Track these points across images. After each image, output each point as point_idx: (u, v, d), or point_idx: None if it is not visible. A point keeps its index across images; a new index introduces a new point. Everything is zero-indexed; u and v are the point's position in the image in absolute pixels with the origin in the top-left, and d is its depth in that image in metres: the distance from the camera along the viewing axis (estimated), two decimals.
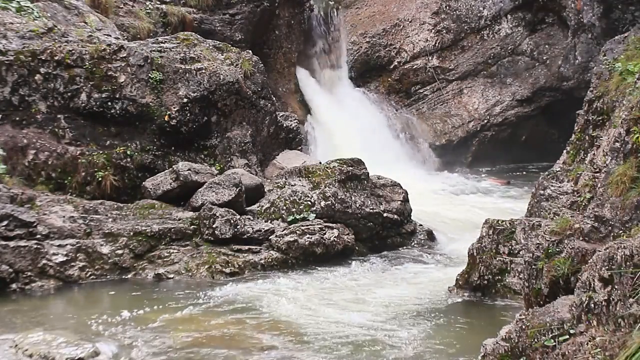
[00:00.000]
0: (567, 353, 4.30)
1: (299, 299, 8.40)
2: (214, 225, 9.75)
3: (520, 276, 7.51)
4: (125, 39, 12.79)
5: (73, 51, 10.69)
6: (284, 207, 10.47)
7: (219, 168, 11.22)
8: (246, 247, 9.82)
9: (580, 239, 6.27)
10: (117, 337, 7.02)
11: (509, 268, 8.25)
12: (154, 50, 11.21)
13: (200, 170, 10.51)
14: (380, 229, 11.06)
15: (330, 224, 10.45)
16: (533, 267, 6.31)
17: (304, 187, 10.79)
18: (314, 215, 10.45)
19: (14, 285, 8.57)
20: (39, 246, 8.84)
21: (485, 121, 19.93)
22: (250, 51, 12.96)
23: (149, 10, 15.16)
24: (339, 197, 10.76)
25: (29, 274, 8.71)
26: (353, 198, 10.91)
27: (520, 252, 7.89)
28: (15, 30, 10.66)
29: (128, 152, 10.77)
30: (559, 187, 8.60)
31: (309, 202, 10.56)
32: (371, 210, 10.98)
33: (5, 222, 8.69)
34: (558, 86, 19.56)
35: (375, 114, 19.33)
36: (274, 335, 7.09)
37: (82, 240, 9.23)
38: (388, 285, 9.16)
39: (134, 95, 10.84)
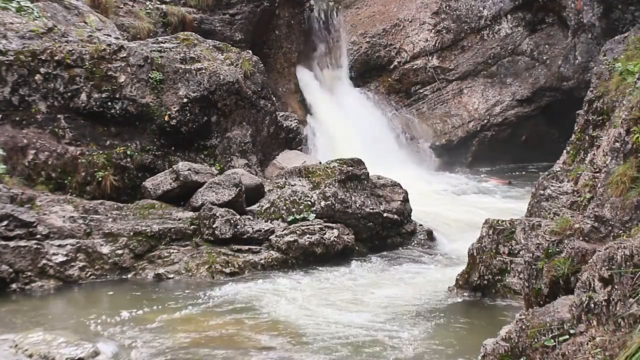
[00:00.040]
0: (567, 353, 4.30)
1: (298, 299, 8.40)
2: (214, 225, 9.75)
3: (520, 276, 7.51)
4: (125, 39, 12.79)
5: (73, 51, 10.68)
6: (284, 207, 10.47)
7: (219, 168, 11.22)
8: (246, 247, 9.82)
9: (580, 239, 6.27)
10: (116, 337, 7.02)
11: (509, 268, 8.25)
12: (154, 50, 11.21)
13: (200, 170, 10.51)
14: (380, 229, 11.06)
15: (330, 224, 10.44)
16: (533, 267, 6.31)
17: (304, 187, 10.79)
18: (314, 215, 10.45)
19: (14, 285, 8.57)
20: (39, 246, 8.84)
21: (485, 121, 19.93)
22: (250, 51, 12.96)
23: (149, 10, 15.16)
24: (339, 197, 10.75)
25: (29, 274, 8.71)
26: (353, 198, 10.91)
27: (520, 252, 7.89)
28: (15, 30, 10.66)
29: (128, 152, 10.77)
30: (559, 187, 8.60)
31: (309, 202, 10.56)
32: (371, 210, 10.97)
33: (5, 222, 8.69)
34: (558, 86, 19.56)
35: (375, 114, 19.33)
36: (272, 336, 7.09)
37: (82, 240, 9.23)
38: (388, 285, 9.16)
39: (134, 95, 10.83)
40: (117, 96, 10.76)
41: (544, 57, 19.87)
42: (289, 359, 6.53)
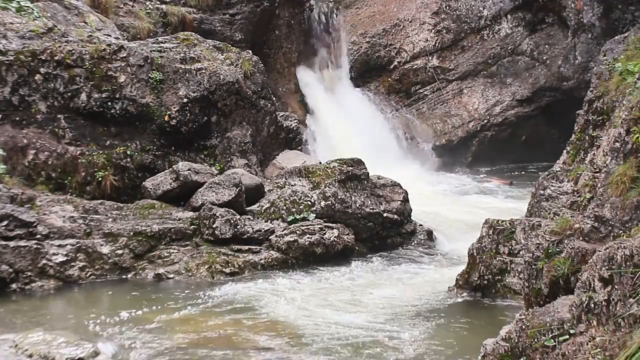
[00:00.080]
0: (567, 353, 4.30)
1: (297, 299, 8.40)
2: (214, 225, 9.75)
3: (520, 276, 7.51)
4: (125, 39, 12.78)
5: (73, 51, 10.68)
6: (284, 207, 10.47)
7: (219, 168, 11.21)
8: (246, 247, 9.82)
9: (580, 239, 6.26)
10: (116, 337, 7.02)
11: (509, 268, 8.25)
12: (154, 50, 11.21)
13: (200, 170, 10.51)
14: (380, 229, 11.05)
15: (330, 224, 10.44)
16: (533, 267, 6.31)
17: (304, 187, 10.79)
18: (314, 215, 10.44)
19: (14, 285, 8.57)
20: (39, 246, 8.84)
21: (485, 121, 19.92)
22: (250, 51, 12.95)
23: (149, 10, 15.16)
24: (339, 197, 10.75)
25: (29, 274, 8.71)
26: (353, 198, 10.91)
27: (520, 252, 7.89)
28: (15, 30, 10.66)
29: (128, 152, 10.77)
30: (559, 187, 8.60)
31: (309, 202, 10.56)
32: (371, 210, 10.97)
33: (5, 222, 8.69)
34: (558, 86, 19.56)
35: (375, 114, 19.33)
36: (271, 337, 7.08)
37: (82, 240, 9.23)
38: (388, 285, 9.15)
39: (134, 95, 10.83)
40: (117, 96, 10.76)
41: (544, 57, 19.87)
42: None
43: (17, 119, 10.34)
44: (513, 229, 8.29)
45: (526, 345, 4.67)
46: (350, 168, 11.16)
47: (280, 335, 7.11)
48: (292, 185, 10.86)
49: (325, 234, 10.21)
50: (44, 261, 8.83)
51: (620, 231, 5.99)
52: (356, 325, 7.43)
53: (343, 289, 8.97)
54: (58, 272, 8.89)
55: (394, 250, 10.93)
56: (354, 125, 18.12)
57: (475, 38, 20.08)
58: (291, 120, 13.59)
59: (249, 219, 10.14)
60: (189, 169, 10.39)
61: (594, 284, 4.47)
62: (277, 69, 18.18)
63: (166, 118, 10.92)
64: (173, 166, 10.58)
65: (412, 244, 11.21)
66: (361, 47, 19.76)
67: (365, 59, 19.79)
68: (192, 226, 9.86)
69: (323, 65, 19.59)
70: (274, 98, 13.23)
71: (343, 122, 18.25)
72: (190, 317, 7.73)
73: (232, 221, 9.83)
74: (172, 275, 9.29)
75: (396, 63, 19.94)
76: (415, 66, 19.97)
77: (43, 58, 10.52)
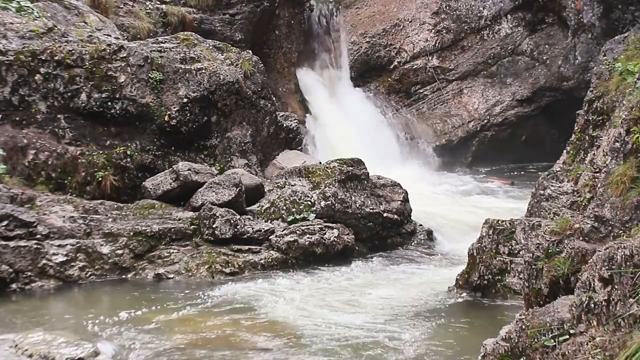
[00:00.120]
0: (567, 353, 4.30)
1: (296, 299, 8.39)
2: (214, 225, 9.75)
3: (520, 276, 7.50)
4: (125, 39, 12.78)
5: (73, 51, 10.68)
6: (284, 207, 10.47)
7: (219, 168, 11.21)
8: (246, 247, 9.82)
9: (580, 239, 6.26)
10: (116, 337, 7.01)
11: (509, 268, 8.24)
12: (154, 50, 11.21)
13: (200, 170, 10.51)
14: (380, 229, 11.05)
15: (330, 224, 10.44)
16: (533, 267, 6.30)
17: (304, 187, 10.79)
18: (314, 215, 10.44)
19: (14, 285, 8.57)
20: (39, 246, 8.84)
21: (485, 121, 19.92)
22: (250, 51, 12.95)
23: (149, 10, 15.16)
24: (339, 197, 10.75)
25: (29, 274, 8.71)
26: (353, 198, 10.91)
27: (520, 252, 7.89)
28: (15, 30, 10.66)
29: (128, 152, 10.77)
30: (559, 187, 8.60)
31: (309, 202, 10.56)
32: (371, 210, 10.97)
33: (5, 222, 8.69)
34: (558, 86, 19.56)
35: (375, 114, 19.32)
36: (270, 337, 7.06)
37: (82, 240, 9.23)
38: (388, 285, 9.14)
39: (134, 95, 10.83)
40: (117, 96, 10.76)
41: (544, 57, 19.87)
42: None
43: (17, 119, 10.34)
44: (513, 229, 8.28)
45: (526, 345, 4.67)
46: (350, 168, 11.16)
47: (279, 336, 7.10)
48: (292, 185, 10.86)
49: (325, 234, 10.21)
50: (44, 261, 8.83)
51: (620, 231, 5.99)
52: (356, 326, 7.42)
53: (343, 289, 8.97)
54: (58, 272, 8.89)
55: (394, 250, 10.94)
56: (354, 125, 18.12)
57: (475, 38, 20.08)
58: (291, 120, 13.59)
59: (249, 219, 10.14)
60: (189, 169, 10.40)
61: (594, 284, 4.47)
62: (277, 69, 18.18)
63: (166, 118, 10.92)
64: (173, 166, 10.59)
65: (412, 244, 11.22)
66: (361, 47, 19.76)
67: (365, 59, 19.79)
68: (192, 226, 9.86)
69: (323, 66, 19.59)
70: (274, 98, 13.23)
71: (343, 122, 18.25)
72: (189, 317, 7.73)
73: (232, 221, 9.83)
74: (172, 275, 9.29)
75: (396, 63, 19.94)
76: (415, 66, 19.97)
77: (43, 58, 10.52)
